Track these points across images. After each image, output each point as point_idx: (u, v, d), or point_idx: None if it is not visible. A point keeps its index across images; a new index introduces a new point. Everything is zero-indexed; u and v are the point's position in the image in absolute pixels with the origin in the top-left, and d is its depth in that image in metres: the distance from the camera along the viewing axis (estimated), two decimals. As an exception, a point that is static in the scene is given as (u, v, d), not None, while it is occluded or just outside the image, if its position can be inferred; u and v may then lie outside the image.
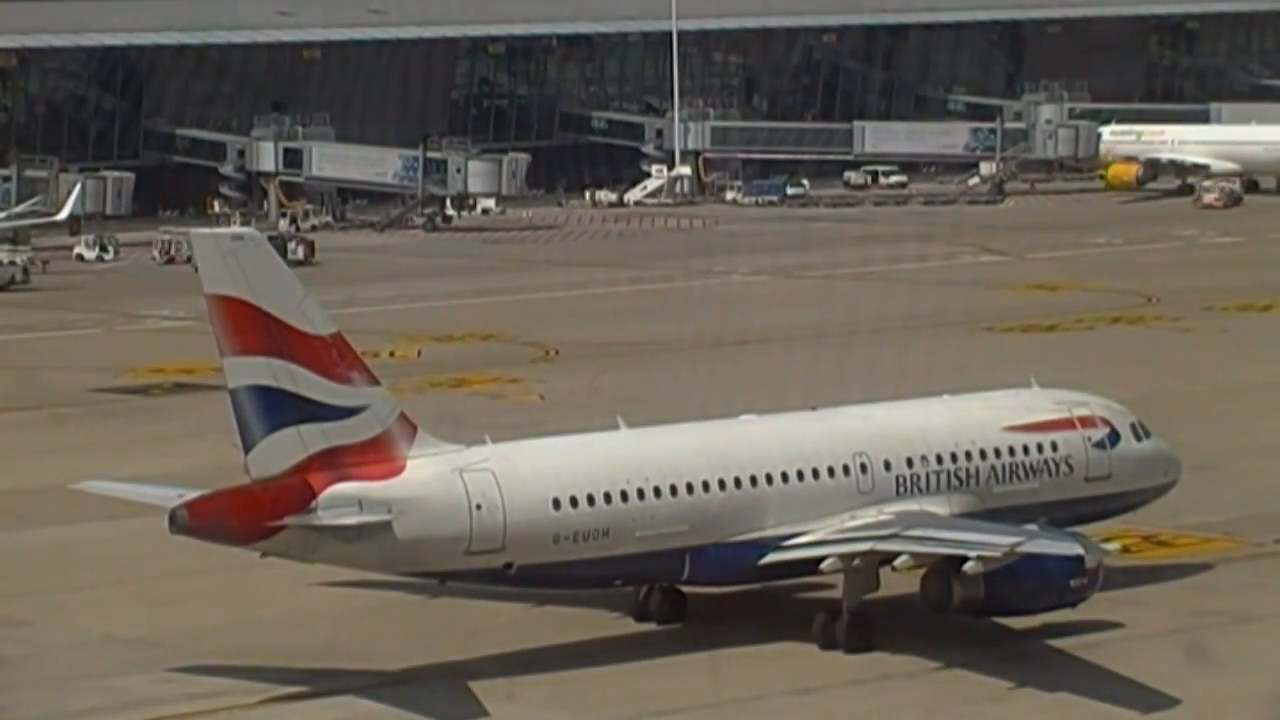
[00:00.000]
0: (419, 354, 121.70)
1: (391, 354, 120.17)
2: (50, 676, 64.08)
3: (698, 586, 66.58)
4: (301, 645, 65.55)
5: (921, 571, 64.04)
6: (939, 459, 67.84)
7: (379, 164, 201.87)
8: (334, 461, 60.58)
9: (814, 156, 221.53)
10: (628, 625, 67.09)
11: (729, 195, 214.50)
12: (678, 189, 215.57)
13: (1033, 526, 65.09)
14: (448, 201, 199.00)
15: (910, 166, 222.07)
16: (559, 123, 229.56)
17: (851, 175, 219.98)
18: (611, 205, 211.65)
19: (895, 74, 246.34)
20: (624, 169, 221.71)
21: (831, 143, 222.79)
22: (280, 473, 60.41)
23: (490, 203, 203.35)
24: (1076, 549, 63.22)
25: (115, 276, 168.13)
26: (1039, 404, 71.08)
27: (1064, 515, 68.01)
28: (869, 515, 65.97)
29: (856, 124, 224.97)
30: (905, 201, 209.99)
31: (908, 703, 60.63)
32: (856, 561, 64.32)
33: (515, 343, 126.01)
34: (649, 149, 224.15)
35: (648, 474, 64.38)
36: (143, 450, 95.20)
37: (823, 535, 65.33)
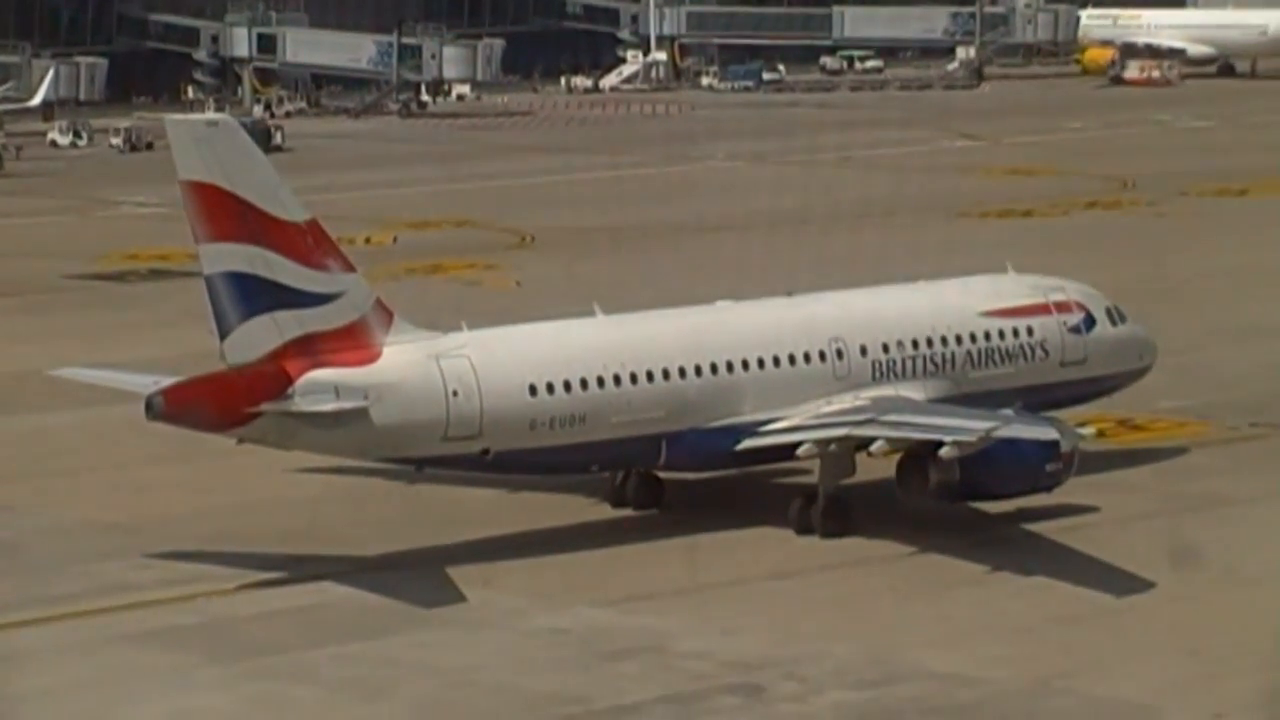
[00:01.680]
0: (394, 240, 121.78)
1: (367, 240, 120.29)
2: (30, 562, 64.35)
3: (674, 472, 66.96)
4: (278, 531, 65.87)
5: (897, 456, 64.36)
6: (915, 344, 68.09)
7: (353, 50, 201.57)
8: (310, 348, 60.73)
9: (792, 42, 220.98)
10: (604, 511, 67.52)
11: (704, 81, 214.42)
12: (653, 75, 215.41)
13: (1008, 411, 65.35)
14: (422, 87, 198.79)
15: (887, 52, 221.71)
16: (534, 8, 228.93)
17: (828, 60, 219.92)
18: (587, 91, 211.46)
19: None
20: (600, 55, 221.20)
21: (809, 28, 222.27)
22: (256, 359, 60.54)
23: (465, 89, 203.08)
24: (1052, 434, 63.53)
25: (89, 163, 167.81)
26: (1015, 289, 71.37)
27: (1040, 400, 68.37)
28: (845, 401, 66.25)
29: (836, 9, 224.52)
30: (882, 87, 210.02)
31: (884, 587, 61.11)
32: (833, 447, 64.69)
33: (491, 229, 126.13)
34: (624, 34, 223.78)
35: (624, 360, 64.60)
36: (118, 337, 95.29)
37: (799, 421, 65.61)
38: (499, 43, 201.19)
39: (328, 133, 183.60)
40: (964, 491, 63.93)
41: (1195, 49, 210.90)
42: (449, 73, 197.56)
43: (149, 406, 61.09)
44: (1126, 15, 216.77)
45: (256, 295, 60.17)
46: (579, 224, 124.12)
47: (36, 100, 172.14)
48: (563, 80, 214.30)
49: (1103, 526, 65.00)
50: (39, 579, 62.60)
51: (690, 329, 67.44)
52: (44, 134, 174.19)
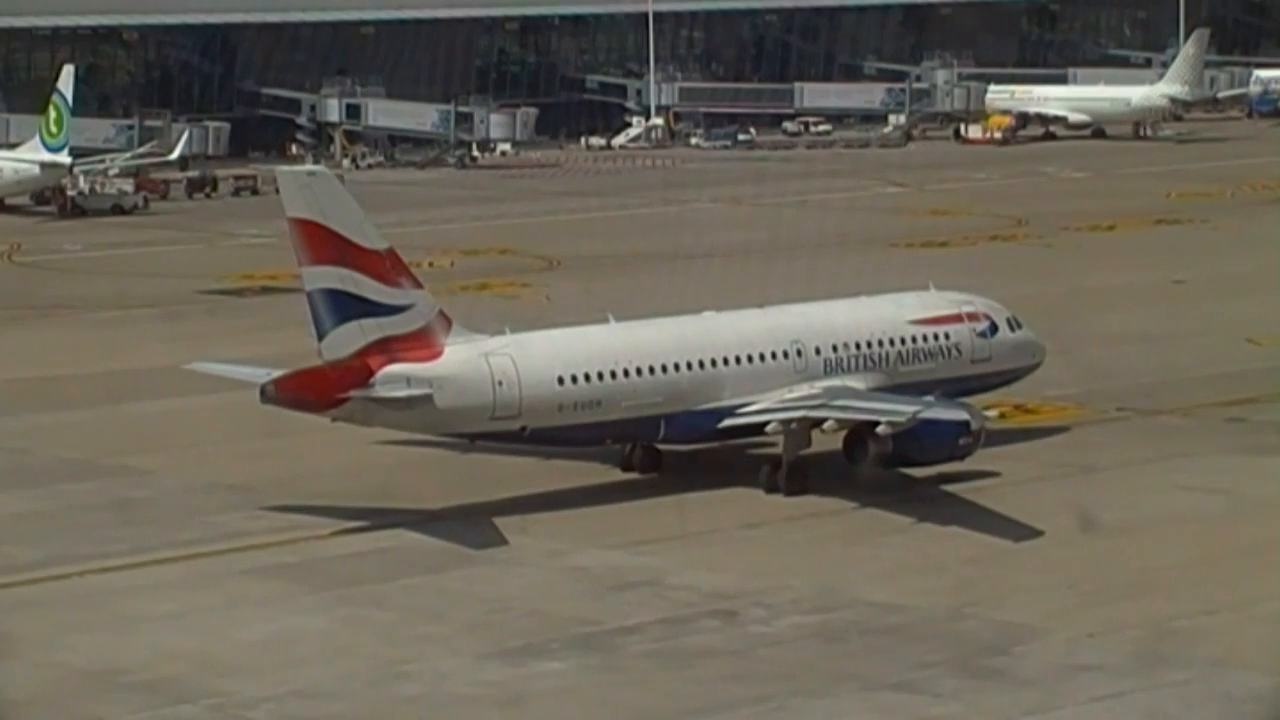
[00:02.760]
0: (451, 264, 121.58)
1: (430, 264, 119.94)
2: (165, 514, 64.29)
3: (671, 445, 66.94)
4: (362, 490, 65.74)
5: (843, 433, 64.45)
6: (857, 345, 68.05)
7: (420, 116, 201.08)
8: (387, 348, 60.85)
9: (762, 110, 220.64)
10: (615, 474, 67.44)
11: (693, 141, 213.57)
12: (653, 136, 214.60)
13: (930, 398, 65.28)
14: (473, 145, 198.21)
15: (835, 118, 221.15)
16: (560, 84, 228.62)
17: (788, 125, 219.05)
18: (601, 148, 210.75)
19: (824, 46, 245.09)
20: (611, 120, 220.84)
21: (775, 99, 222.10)
22: (346, 356, 60.66)
23: (507, 146, 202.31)
24: (964, 415, 63.65)
25: (215, 203, 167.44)
26: (936, 302, 71.43)
27: (955, 389, 68.33)
28: (802, 389, 66.22)
29: (796, 84, 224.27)
30: (830, 145, 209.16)
31: (833, 534, 61.10)
32: (793, 425, 64.76)
33: (526, 255, 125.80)
34: (630, 104, 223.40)
35: (632, 358, 64.60)
36: (237, 339, 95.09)
37: (766, 405, 65.57)
38: (533, 111, 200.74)
39: (400, 180, 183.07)
40: (895, 460, 63.99)
41: (1075, 117, 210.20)
42: (494, 134, 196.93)
43: (263, 393, 61.39)
44: (1020, 90, 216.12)
45: (346, 307, 60.36)
46: (595, 252, 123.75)
47: (175, 155, 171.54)
48: (582, 140, 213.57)
49: (1002, 488, 64.87)
50: (172, 527, 62.57)
51: (683, 333, 67.37)
52: (180, 182, 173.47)
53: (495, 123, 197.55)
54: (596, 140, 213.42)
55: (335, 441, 68.41)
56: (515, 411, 62.58)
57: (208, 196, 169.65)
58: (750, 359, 66.38)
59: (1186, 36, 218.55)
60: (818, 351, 67.41)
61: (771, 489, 64.77)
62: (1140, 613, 51.66)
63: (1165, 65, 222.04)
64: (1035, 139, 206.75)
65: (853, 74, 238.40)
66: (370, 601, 54.68)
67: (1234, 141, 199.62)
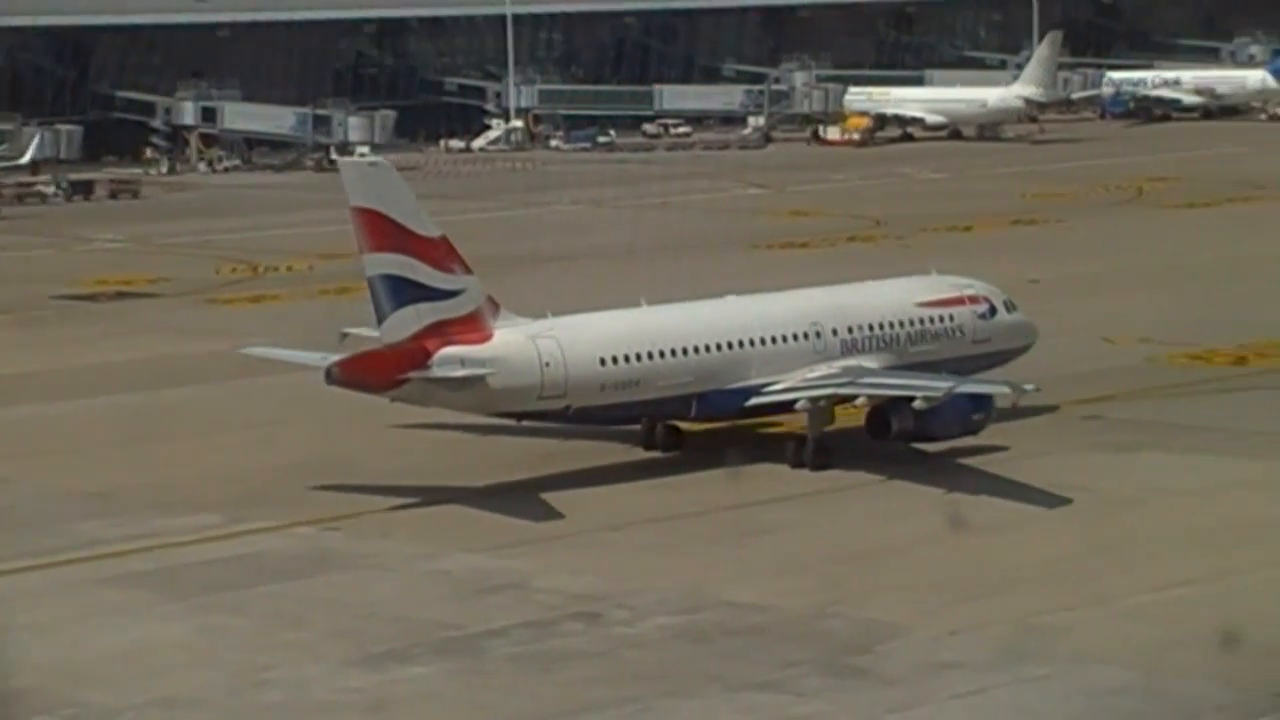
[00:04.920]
0: (310, 268, 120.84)
1: (289, 268, 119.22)
2: (23, 522, 63.35)
3: (702, 422, 68.94)
4: (223, 498, 65.24)
5: (865, 410, 66.69)
6: (870, 327, 70.60)
7: (277, 119, 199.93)
8: (442, 331, 62.89)
9: (621, 112, 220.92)
10: (639, 454, 69.27)
11: (553, 143, 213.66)
12: (513, 138, 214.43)
13: (946, 376, 67.56)
14: (331, 148, 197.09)
15: (695, 120, 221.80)
16: (419, 87, 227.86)
17: (648, 127, 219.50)
18: (461, 151, 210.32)
19: (684, 48, 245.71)
20: (471, 122, 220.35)
21: (635, 101, 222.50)
22: (404, 339, 62.56)
23: (365, 149, 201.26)
24: (997, 389, 66.56)
25: (68, 208, 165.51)
26: (940, 286, 74.03)
27: (956, 369, 70.28)
28: (822, 369, 68.55)
29: (656, 87, 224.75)
30: (690, 147, 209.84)
31: (698, 535, 61.32)
32: (822, 402, 67.02)
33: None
34: (490, 107, 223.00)
35: (666, 339, 66.98)
36: (93, 344, 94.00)
37: (792, 384, 67.62)
38: (391, 113, 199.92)
39: (258, 184, 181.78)
40: (916, 435, 66.56)
41: (931, 118, 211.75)
42: (352, 137, 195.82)
43: (328, 375, 63.61)
44: (878, 92, 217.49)
45: (404, 292, 62.30)
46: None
47: (26, 159, 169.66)
48: (441, 143, 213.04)
49: (867, 487, 65.28)
50: (30, 535, 61.62)
51: (711, 316, 69.74)
52: (32, 185, 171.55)
53: (353, 125, 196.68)
54: (456, 143, 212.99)
55: (198, 449, 67.86)
56: (561, 391, 64.68)
57: (85, 199, 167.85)
58: (774, 340, 68.64)
59: (1041, 39, 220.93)
60: (835, 333, 69.71)
61: (798, 464, 66.77)
62: (1002, 609, 52.07)
63: (1020, 67, 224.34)
64: (893, 140, 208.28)
65: (712, 76, 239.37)
66: (231, 609, 54.21)
67: (1088, 142, 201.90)
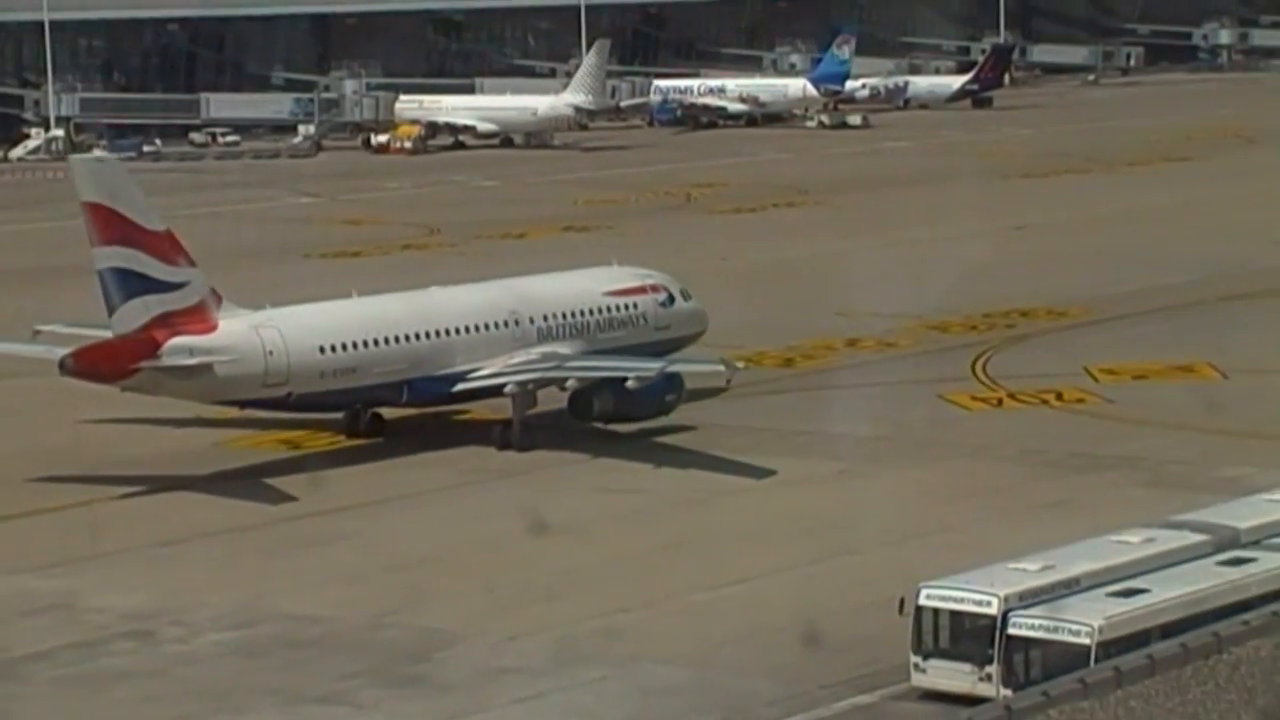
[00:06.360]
0: None
1: None
2: None
3: (414, 408, 71.65)
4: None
5: (568, 393, 70.17)
6: (563, 315, 73.99)
7: None
8: (170, 322, 64.40)
9: (167, 121, 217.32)
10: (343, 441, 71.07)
11: (96, 152, 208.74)
12: (54, 148, 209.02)
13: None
14: None
15: (243, 129, 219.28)
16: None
17: (195, 136, 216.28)
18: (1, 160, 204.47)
19: (231, 56, 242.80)
20: (9, 131, 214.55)
21: (181, 110, 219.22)
22: (134, 330, 63.95)
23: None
24: (717, 367, 70.63)
25: None
26: (622, 276, 77.70)
27: (641, 354, 73.19)
28: (522, 355, 71.58)
29: (202, 95, 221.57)
30: (239, 156, 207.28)
31: (252, 548, 60.84)
32: (530, 386, 70.06)
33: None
34: (29, 115, 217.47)
35: (380, 328, 69.55)
36: None
37: (496, 369, 70.57)
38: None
39: None
40: (617, 416, 70.23)
41: (484, 126, 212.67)
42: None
43: (62, 365, 64.95)
44: (429, 100, 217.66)
45: (132, 284, 63.85)
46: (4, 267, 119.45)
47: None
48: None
49: (426, 495, 65.42)
50: None
51: (420, 306, 72.32)
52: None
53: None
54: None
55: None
56: (284, 379, 66.98)
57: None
58: (476, 329, 71.72)
59: (589, 47, 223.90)
60: (531, 321, 72.91)
61: (505, 446, 69.71)
62: (560, 613, 52.60)
63: (570, 75, 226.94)
64: (445, 148, 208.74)
65: (261, 84, 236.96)
66: None
67: (637, 149, 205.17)
